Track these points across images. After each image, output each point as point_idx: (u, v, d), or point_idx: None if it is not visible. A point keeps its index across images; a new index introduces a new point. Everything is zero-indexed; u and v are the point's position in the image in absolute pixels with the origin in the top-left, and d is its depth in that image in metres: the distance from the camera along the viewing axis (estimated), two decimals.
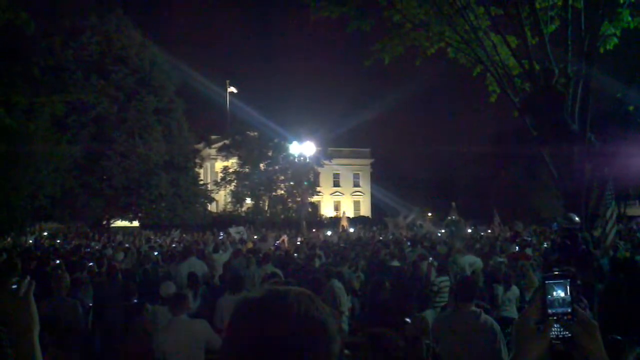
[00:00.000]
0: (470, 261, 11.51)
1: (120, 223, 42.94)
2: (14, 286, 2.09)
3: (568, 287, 1.52)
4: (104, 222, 41.62)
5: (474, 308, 5.62)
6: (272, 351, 1.26)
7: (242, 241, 20.47)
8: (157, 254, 15.61)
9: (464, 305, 5.59)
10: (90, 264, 12.08)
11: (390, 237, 23.98)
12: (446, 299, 9.20)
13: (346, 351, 4.77)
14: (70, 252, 16.89)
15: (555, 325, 1.49)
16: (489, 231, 26.11)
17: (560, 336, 1.49)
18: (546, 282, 1.54)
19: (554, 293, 1.52)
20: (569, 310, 1.50)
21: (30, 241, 24.98)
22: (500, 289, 9.24)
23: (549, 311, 1.50)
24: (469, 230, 24.07)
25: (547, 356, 1.50)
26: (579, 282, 7.13)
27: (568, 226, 9.61)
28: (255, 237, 25.40)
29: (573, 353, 1.50)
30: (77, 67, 38.43)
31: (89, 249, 18.37)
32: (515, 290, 9.01)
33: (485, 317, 5.57)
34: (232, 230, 26.61)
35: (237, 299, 1.42)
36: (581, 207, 11.44)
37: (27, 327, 2.06)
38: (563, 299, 1.51)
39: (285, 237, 21.36)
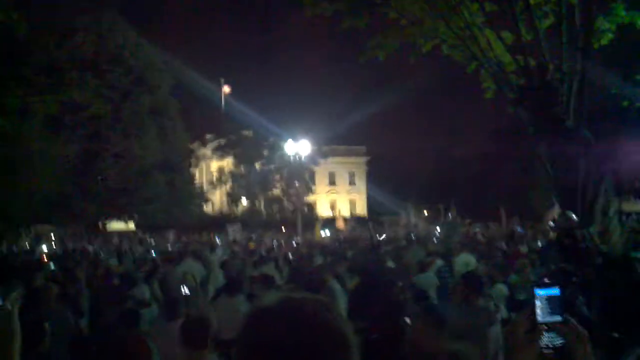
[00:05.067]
0: (465, 260, 11.49)
1: (115, 224, 42.79)
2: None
3: (558, 295, 1.52)
4: (100, 224, 41.44)
5: (483, 302, 5.97)
6: None
7: (235, 241, 20.38)
8: (156, 255, 15.50)
9: (475, 299, 5.89)
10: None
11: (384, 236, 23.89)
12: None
13: None
14: (66, 256, 16.77)
15: (546, 334, 1.49)
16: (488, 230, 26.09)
17: (551, 345, 1.48)
18: (536, 290, 1.53)
19: (544, 301, 1.51)
20: (560, 318, 1.49)
21: (26, 243, 24.79)
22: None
23: (539, 319, 1.50)
24: (464, 229, 24.04)
25: None
26: (574, 279, 7.08)
27: (566, 225, 9.55)
28: (252, 236, 25.35)
29: None
30: (71, 67, 38.21)
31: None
32: (500, 288, 8.88)
33: (495, 310, 5.99)
34: (230, 228, 26.55)
35: (250, 307, 1.37)
36: (577, 205, 11.40)
37: (8, 341, 2.05)
38: (553, 307, 1.50)
39: (282, 240, 21.25)
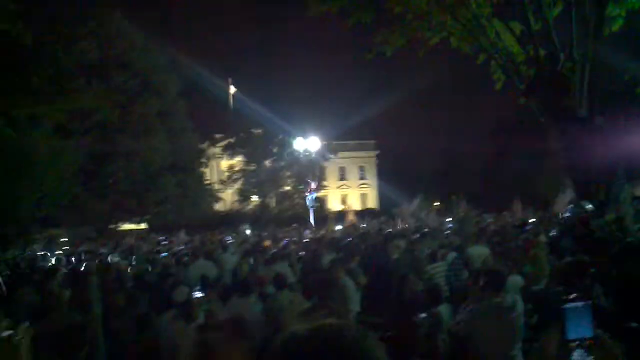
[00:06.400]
0: (479, 252, 11.31)
1: (127, 226, 43.01)
2: (6, 333, 2.06)
3: (588, 311, 1.49)
4: (112, 226, 41.65)
5: (502, 298, 5.71)
6: None
7: (247, 240, 20.31)
8: (167, 255, 15.41)
9: (496, 295, 5.68)
10: None
11: (398, 228, 23.70)
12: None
13: None
14: (78, 260, 16.80)
15: (577, 351, 1.45)
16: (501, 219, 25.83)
17: None
18: (566, 307, 1.50)
19: (574, 318, 1.47)
20: (590, 334, 1.47)
21: (38, 247, 24.80)
22: None
23: (569, 336, 1.49)
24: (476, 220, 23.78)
25: None
26: (592, 270, 6.95)
27: (581, 214, 9.46)
28: (265, 233, 25.23)
29: None
30: (78, 73, 38.19)
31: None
32: (516, 279, 8.70)
33: (513, 305, 5.68)
34: (242, 227, 26.55)
35: (281, 334, 1.27)
36: (592, 193, 11.27)
37: None
38: (583, 323, 1.47)
39: (294, 237, 21.04)
